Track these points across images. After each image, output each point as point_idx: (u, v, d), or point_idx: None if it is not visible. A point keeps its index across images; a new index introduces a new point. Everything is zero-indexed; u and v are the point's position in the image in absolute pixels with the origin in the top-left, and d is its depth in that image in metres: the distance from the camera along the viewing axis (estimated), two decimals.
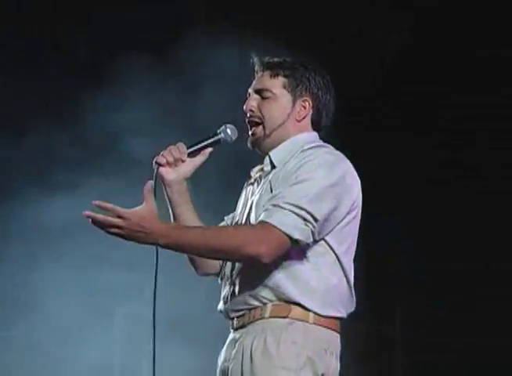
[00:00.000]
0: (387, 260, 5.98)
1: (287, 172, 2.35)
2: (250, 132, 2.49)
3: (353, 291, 2.40)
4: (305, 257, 2.32)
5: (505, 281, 5.36)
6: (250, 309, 2.34)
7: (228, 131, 2.50)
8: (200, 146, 2.52)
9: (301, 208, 2.24)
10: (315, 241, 2.31)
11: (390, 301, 6.22)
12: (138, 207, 2.20)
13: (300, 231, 2.24)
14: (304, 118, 2.48)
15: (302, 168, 2.32)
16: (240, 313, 2.36)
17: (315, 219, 2.25)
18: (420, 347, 5.73)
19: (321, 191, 2.27)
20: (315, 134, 2.50)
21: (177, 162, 2.50)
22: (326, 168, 2.31)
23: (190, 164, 2.52)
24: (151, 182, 2.26)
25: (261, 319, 2.32)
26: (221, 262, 2.52)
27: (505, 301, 5.30)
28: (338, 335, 2.38)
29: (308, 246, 2.32)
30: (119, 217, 2.16)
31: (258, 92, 2.49)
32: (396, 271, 5.82)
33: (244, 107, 2.50)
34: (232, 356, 2.35)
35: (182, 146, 2.51)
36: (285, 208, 2.25)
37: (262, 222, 2.27)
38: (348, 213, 2.36)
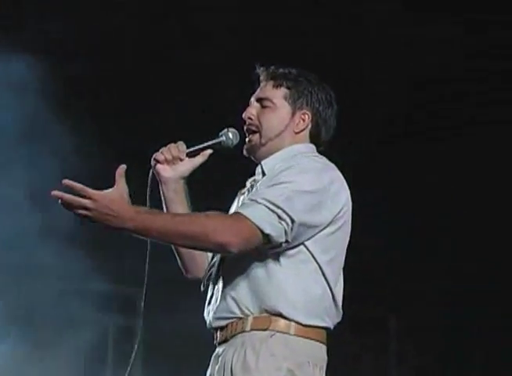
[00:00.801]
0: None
1: (271, 175, 2.37)
2: (246, 139, 2.50)
3: (338, 303, 2.37)
4: (287, 264, 2.30)
5: None
6: (232, 322, 2.31)
7: (230, 135, 2.51)
8: (199, 146, 2.53)
9: (277, 206, 2.23)
10: (295, 247, 2.31)
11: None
12: (108, 190, 2.18)
13: (272, 226, 2.22)
14: (302, 131, 2.48)
15: (286, 171, 2.33)
16: (223, 324, 2.34)
17: (292, 220, 2.24)
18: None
19: (299, 194, 2.26)
20: (313, 146, 2.49)
21: (175, 160, 2.50)
22: (309, 174, 2.32)
23: (188, 164, 2.53)
24: (123, 166, 2.23)
25: (242, 332, 2.29)
26: (205, 265, 2.52)
27: None
28: (323, 346, 2.35)
29: (288, 253, 2.31)
30: (88, 198, 2.13)
31: (259, 100, 2.50)
32: None
33: (244, 115, 2.51)
34: (215, 372, 2.34)
35: (181, 145, 2.52)
36: (260, 203, 2.24)
37: (236, 213, 2.28)
38: (332, 222, 2.33)
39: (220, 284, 2.38)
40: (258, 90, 2.53)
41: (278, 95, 2.48)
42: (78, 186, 2.15)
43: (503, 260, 6.47)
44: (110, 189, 2.19)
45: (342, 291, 2.41)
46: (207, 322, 2.41)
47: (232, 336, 2.31)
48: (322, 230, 2.32)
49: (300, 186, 2.28)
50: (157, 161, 2.51)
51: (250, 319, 2.29)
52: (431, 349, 6.80)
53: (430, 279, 6.58)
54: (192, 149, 2.53)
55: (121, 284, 6.09)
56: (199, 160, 2.55)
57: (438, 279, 6.56)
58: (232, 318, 2.32)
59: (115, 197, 2.17)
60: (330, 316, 2.36)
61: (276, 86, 2.49)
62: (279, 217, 2.23)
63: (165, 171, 2.51)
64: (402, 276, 6.49)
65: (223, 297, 2.34)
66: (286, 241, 2.26)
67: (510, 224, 6.36)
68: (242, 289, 2.31)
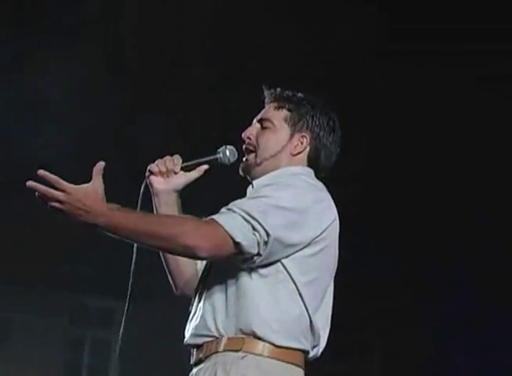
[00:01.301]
0: None
1: (256, 189, 2.38)
2: (243, 159, 2.49)
3: (315, 327, 2.30)
4: (264, 283, 2.26)
5: None
6: (208, 341, 2.28)
7: (227, 152, 2.50)
8: (195, 161, 2.52)
9: (252, 217, 2.20)
10: (272, 264, 2.26)
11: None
12: (84, 185, 2.16)
13: (244, 236, 2.18)
14: (299, 153, 2.46)
15: (269, 186, 2.32)
16: (199, 342, 2.31)
17: (267, 233, 2.20)
18: None
19: (276, 209, 2.23)
20: (310, 170, 2.46)
21: (169, 173, 2.49)
22: (290, 191, 2.29)
23: (182, 178, 2.51)
24: (102, 163, 2.20)
25: (215, 352, 2.26)
26: (194, 283, 2.47)
27: None
28: (299, 369, 2.29)
29: (266, 271, 2.27)
30: (62, 191, 2.11)
31: (260, 121, 2.50)
32: None
33: (243, 134, 2.50)
34: None
35: (177, 158, 2.51)
36: (236, 212, 2.22)
37: (209, 219, 2.23)
38: (314, 243, 2.29)
39: (201, 302, 2.35)
40: (262, 111, 2.53)
41: (279, 117, 2.47)
42: (53, 177, 2.13)
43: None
44: (86, 184, 2.16)
45: (328, 316, 2.37)
46: (185, 338, 2.38)
47: (207, 357, 2.28)
48: (301, 250, 2.28)
49: (278, 202, 2.25)
50: (151, 173, 2.50)
51: (225, 339, 2.26)
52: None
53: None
54: (187, 163, 2.52)
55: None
56: (194, 174, 2.53)
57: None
58: (208, 336, 2.29)
59: (89, 191, 2.14)
60: (308, 339, 2.31)
61: (278, 108, 2.49)
62: (253, 228, 2.20)
63: (158, 183, 2.50)
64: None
65: (203, 315, 2.32)
66: (259, 254, 2.22)
67: None
68: (220, 308, 2.29)
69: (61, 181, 2.12)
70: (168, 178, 2.50)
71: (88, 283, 9.65)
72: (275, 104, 2.50)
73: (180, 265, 2.52)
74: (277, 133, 2.46)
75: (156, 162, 2.51)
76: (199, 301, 2.36)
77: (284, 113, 2.47)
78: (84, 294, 9.75)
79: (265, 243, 2.20)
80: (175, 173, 2.50)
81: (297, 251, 2.27)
